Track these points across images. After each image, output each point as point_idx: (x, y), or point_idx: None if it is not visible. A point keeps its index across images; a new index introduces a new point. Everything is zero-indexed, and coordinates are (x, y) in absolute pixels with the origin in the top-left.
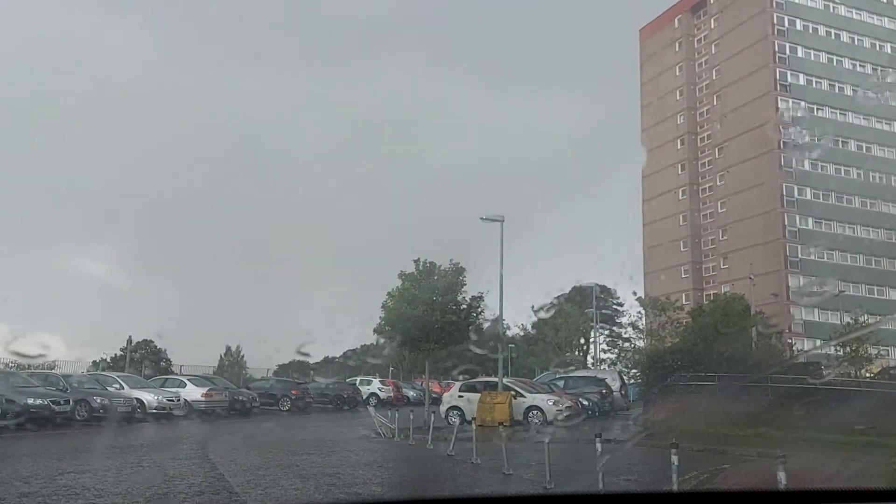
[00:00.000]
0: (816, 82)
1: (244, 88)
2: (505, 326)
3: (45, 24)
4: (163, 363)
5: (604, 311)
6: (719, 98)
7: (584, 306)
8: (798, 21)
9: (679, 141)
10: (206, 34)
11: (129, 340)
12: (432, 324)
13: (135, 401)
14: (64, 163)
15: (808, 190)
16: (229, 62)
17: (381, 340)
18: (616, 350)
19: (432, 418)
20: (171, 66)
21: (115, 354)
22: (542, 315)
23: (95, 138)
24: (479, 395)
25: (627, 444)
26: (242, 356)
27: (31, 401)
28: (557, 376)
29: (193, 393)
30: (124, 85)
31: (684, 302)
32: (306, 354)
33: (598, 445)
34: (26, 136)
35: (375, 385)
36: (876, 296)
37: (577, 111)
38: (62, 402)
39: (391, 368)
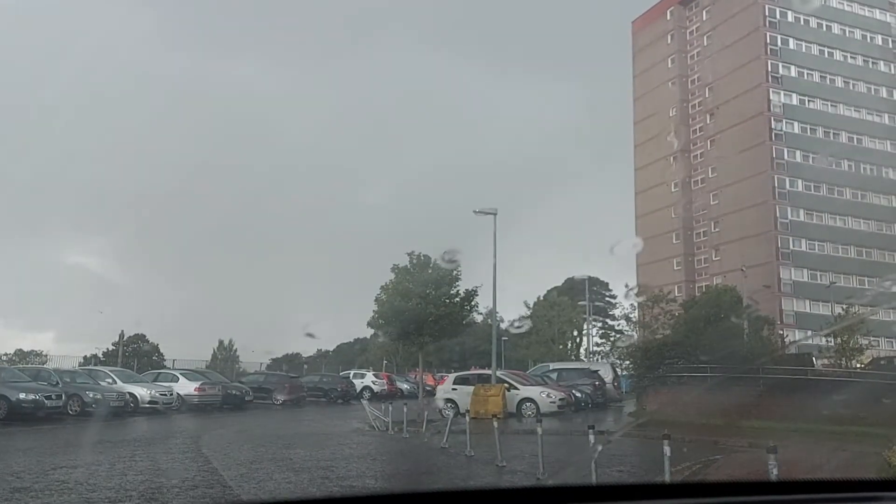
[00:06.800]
0: (808, 74)
1: (237, 79)
2: (498, 319)
3: (33, 11)
4: (155, 357)
5: (597, 303)
6: (711, 90)
7: (578, 299)
8: (789, 13)
9: (671, 133)
10: (195, 23)
11: (122, 335)
12: (426, 317)
13: (127, 395)
14: (54, 154)
15: (800, 182)
16: (222, 52)
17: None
18: (609, 342)
19: (426, 411)
20: (164, 54)
21: (108, 349)
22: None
23: (87, 128)
24: (472, 387)
25: (618, 435)
26: (235, 350)
27: (22, 396)
28: (550, 368)
29: (186, 387)
30: (115, 74)
31: (676, 294)
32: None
33: (591, 437)
34: (17, 127)
35: (369, 378)
36: (867, 287)
37: (570, 103)
38: (54, 397)
39: (385, 362)
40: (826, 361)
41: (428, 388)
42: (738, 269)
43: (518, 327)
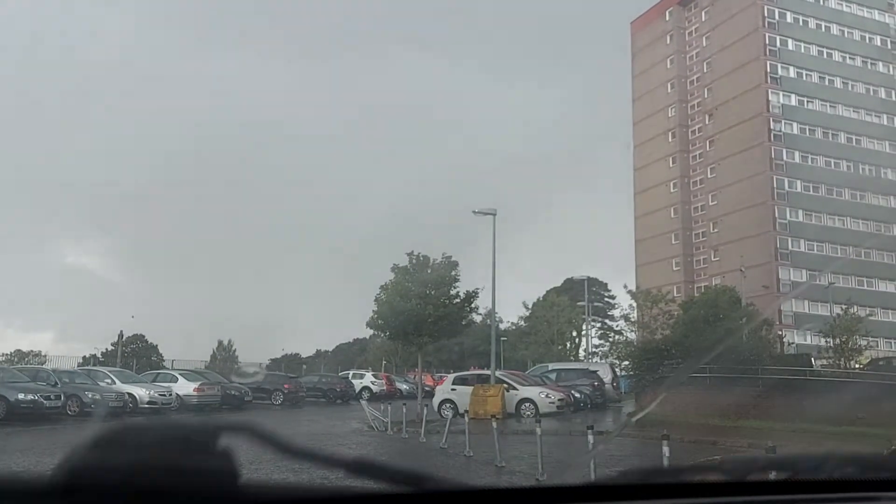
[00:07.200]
0: (807, 75)
1: (237, 79)
2: (498, 320)
3: (32, 11)
4: (154, 358)
5: (596, 303)
6: (710, 91)
7: (576, 299)
8: (788, 14)
9: (670, 134)
10: (197, 23)
11: (121, 335)
12: (425, 317)
13: (126, 396)
14: (54, 153)
15: (799, 182)
16: (224, 53)
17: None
18: (608, 342)
19: (425, 411)
20: (167, 53)
21: (106, 349)
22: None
23: (86, 128)
24: (471, 388)
25: (616, 435)
26: (234, 350)
27: (21, 396)
28: (549, 368)
29: (185, 387)
30: (115, 74)
31: (675, 294)
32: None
33: (590, 437)
34: (16, 126)
35: (368, 378)
36: (866, 287)
37: (569, 104)
38: (53, 398)
39: (384, 362)
40: (825, 362)
41: (427, 389)
42: (737, 270)
43: (517, 327)
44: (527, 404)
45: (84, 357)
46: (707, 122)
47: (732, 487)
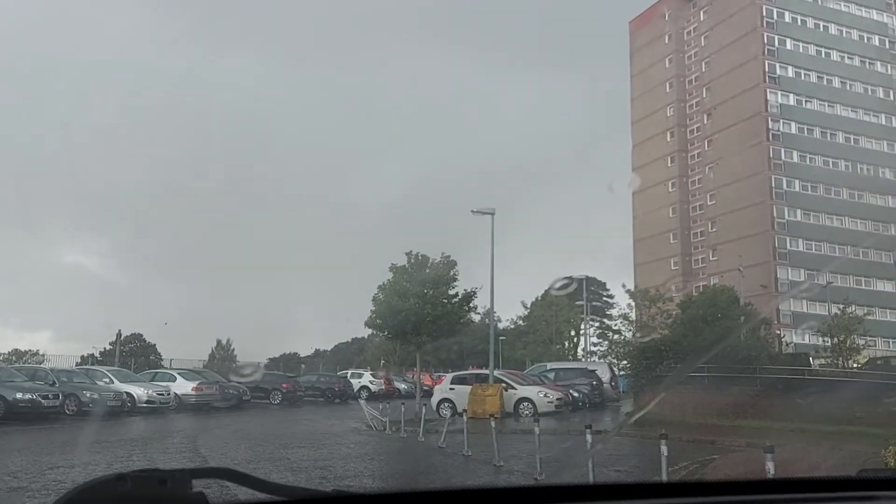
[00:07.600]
0: (805, 74)
1: (237, 78)
2: (496, 319)
3: (33, 10)
4: (152, 357)
5: (594, 303)
6: (709, 90)
7: (575, 298)
8: (787, 13)
9: (669, 133)
10: (196, 21)
11: (119, 334)
12: (423, 317)
13: (124, 395)
14: (53, 152)
15: (797, 182)
16: (223, 50)
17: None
18: (606, 342)
19: (423, 411)
20: (166, 52)
21: (105, 349)
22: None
23: (85, 126)
24: (470, 387)
25: (615, 435)
26: (233, 350)
27: (19, 395)
28: (548, 368)
29: (184, 387)
30: (115, 73)
31: (674, 294)
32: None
33: (588, 437)
34: (15, 124)
35: (367, 378)
36: (864, 287)
37: (567, 103)
38: (51, 397)
39: (382, 361)
40: (823, 361)
41: (425, 388)
42: (735, 269)
43: (515, 327)
44: (525, 404)
45: (82, 356)
46: (706, 122)
47: (731, 486)
